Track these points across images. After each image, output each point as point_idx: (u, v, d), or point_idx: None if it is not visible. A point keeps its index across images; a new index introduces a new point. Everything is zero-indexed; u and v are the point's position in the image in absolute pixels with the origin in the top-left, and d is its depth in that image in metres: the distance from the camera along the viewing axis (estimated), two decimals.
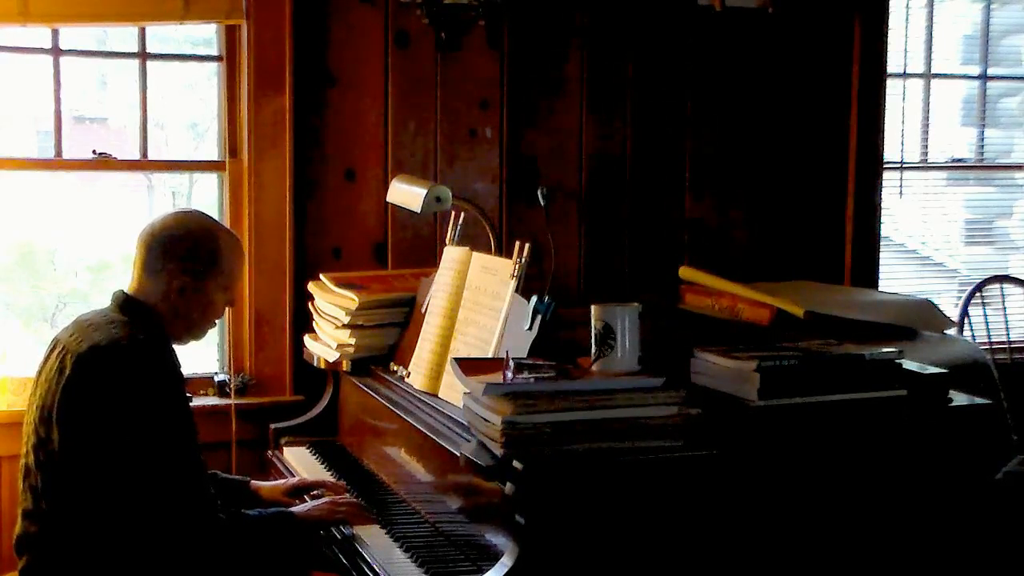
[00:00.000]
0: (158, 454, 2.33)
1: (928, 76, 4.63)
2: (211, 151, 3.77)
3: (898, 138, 4.40)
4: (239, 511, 2.54)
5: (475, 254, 2.86)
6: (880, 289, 4.28)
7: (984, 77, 4.77)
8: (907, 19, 4.43)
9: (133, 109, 3.61)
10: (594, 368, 2.18)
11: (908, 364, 2.33)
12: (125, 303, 2.51)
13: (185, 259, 2.51)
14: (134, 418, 2.32)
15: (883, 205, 4.35)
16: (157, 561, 2.35)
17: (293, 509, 2.60)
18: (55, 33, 3.49)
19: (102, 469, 2.32)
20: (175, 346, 2.54)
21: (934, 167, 4.76)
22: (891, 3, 4.29)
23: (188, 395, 2.51)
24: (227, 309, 2.67)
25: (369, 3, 3.67)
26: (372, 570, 2.33)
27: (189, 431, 2.40)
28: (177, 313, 2.52)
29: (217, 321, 2.66)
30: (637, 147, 4.00)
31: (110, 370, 2.35)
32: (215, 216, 3.70)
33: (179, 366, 2.46)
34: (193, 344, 2.65)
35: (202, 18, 3.53)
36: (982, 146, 4.81)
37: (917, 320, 3.09)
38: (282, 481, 2.88)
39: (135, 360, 2.36)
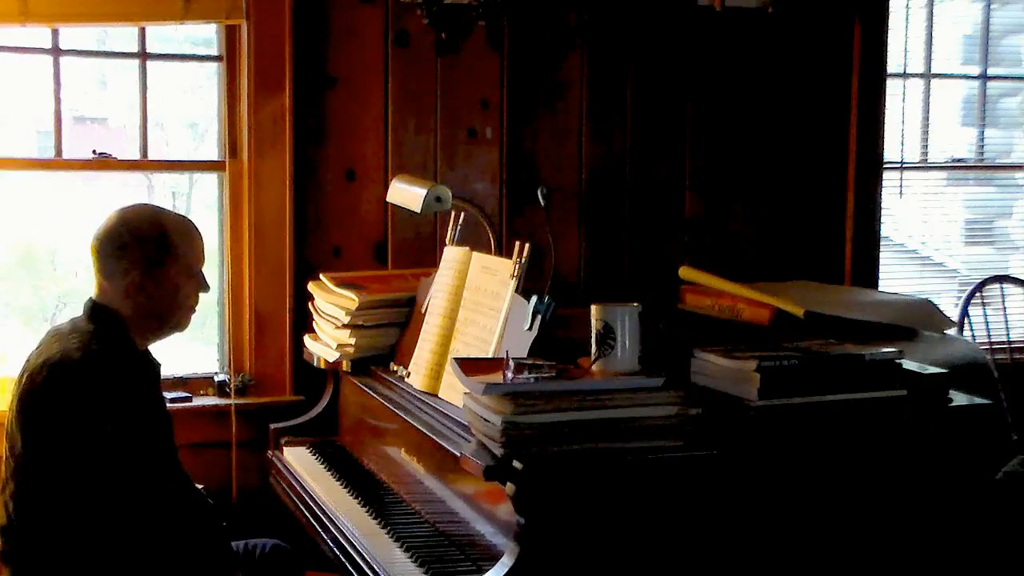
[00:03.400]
0: (110, 465, 2.29)
1: (928, 76, 4.63)
2: (211, 151, 3.77)
3: (898, 138, 4.40)
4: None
5: (475, 254, 2.86)
6: (880, 289, 4.28)
7: (984, 77, 4.77)
8: (907, 19, 4.43)
9: (133, 109, 3.61)
10: (594, 368, 2.18)
11: (908, 364, 2.33)
12: (92, 310, 2.47)
13: (133, 252, 2.44)
14: (86, 431, 2.28)
15: (883, 205, 4.35)
16: (141, 564, 2.33)
17: None
18: (55, 33, 3.49)
19: (56, 483, 2.30)
20: (159, 341, 2.52)
21: (934, 167, 4.76)
22: (891, 3, 4.29)
23: (154, 397, 2.46)
24: (201, 295, 2.56)
25: (369, 3, 3.67)
26: (372, 570, 2.33)
27: (145, 441, 2.35)
28: (143, 310, 2.46)
29: (195, 309, 2.56)
30: (637, 147, 4.00)
31: (61, 384, 2.31)
32: (215, 216, 3.73)
33: (140, 372, 2.42)
34: (193, 344, 2.63)
35: (202, 18, 3.53)
36: (982, 146, 4.81)
37: (917, 320, 3.09)
38: None
39: (85, 373, 2.32)
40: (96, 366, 2.34)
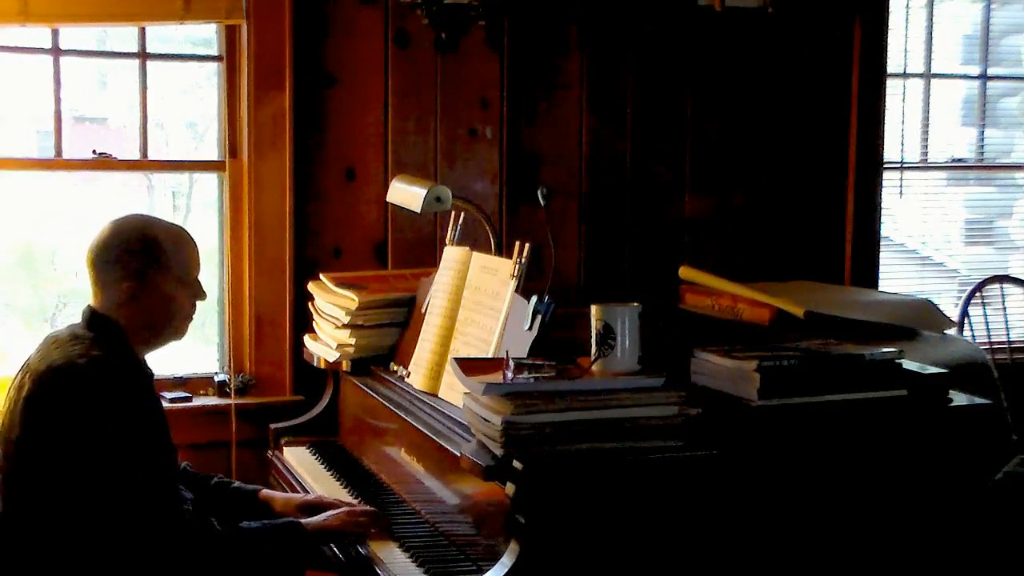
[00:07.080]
0: (114, 474, 2.27)
1: (928, 76, 4.63)
2: (211, 151, 3.77)
3: (898, 138, 4.40)
4: (237, 524, 2.46)
5: (475, 254, 2.86)
6: (880, 289, 4.28)
7: (984, 77, 4.77)
8: (907, 19, 4.43)
9: (133, 109, 3.61)
10: (594, 368, 2.18)
11: (908, 364, 2.33)
12: (91, 318, 2.46)
13: (124, 263, 2.44)
14: (91, 438, 2.27)
15: (883, 205, 4.35)
16: None
17: (304, 520, 2.51)
18: (55, 33, 3.49)
19: (57, 491, 2.29)
20: (156, 351, 2.52)
21: (934, 167, 4.76)
22: (891, 3, 4.29)
23: (156, 404, 2.44)
24: (196, 303, 2.55)
25: (369, 3, 3.67)
26: (372, 570, 2.33)
27: (150, 446, 2.34)
28: (138, 320, 2.45)
29: (191, 317, 2.56)
30: (637, 147, 4.00)
31: (65, 390, 2.30)
32: (215, 216, 3.73)
33: (142, 379, 2.41)
34: (193, 344, 2.63)
35: (202, 18, 3.53)
36: (982, 146, 4.81)
37: (917, 320, 3.09)
38: (298, 495, 2.79)
39: (90, 379, 2.31)
40: (101, 372, 2.33)
